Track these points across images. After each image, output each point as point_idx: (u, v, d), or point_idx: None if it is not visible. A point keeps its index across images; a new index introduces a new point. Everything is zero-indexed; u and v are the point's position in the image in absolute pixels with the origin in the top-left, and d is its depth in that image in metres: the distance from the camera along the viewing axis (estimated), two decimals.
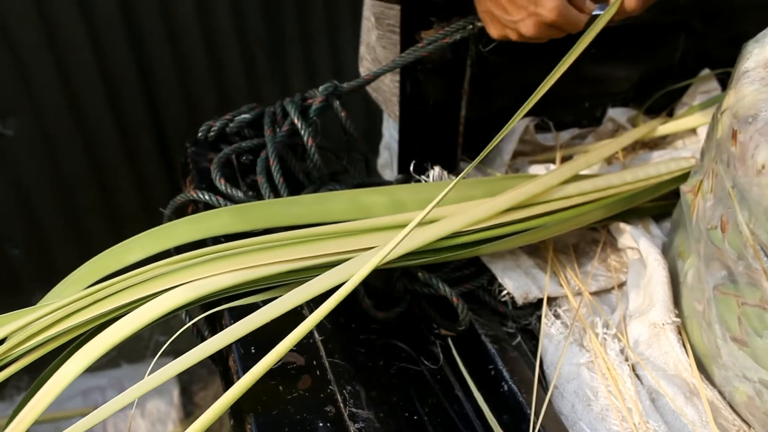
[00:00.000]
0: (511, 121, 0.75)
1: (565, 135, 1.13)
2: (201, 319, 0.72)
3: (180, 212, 0.82)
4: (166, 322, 0.67)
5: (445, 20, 0.84)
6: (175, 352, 0.63)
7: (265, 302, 0.66)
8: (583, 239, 0.95)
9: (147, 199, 2.10)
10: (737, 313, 0.71)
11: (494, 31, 0.84)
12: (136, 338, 0.91)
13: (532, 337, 0.84)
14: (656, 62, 1.18)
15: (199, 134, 0.87)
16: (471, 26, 0.83)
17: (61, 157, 1.95)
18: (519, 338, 0.83)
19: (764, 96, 0.71)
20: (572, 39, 0.82)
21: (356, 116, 2.14)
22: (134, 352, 2.06)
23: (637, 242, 0.87)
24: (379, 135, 1.36)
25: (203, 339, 0.72)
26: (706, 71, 1.19)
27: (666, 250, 0.92)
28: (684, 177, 0.89)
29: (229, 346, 0.64)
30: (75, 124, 1.92)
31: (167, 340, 0.67)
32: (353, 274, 0.67)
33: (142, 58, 1.91)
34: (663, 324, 0.79)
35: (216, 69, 2.01)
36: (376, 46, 1.11)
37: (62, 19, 1.78)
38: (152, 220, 0.83)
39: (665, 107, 1.23)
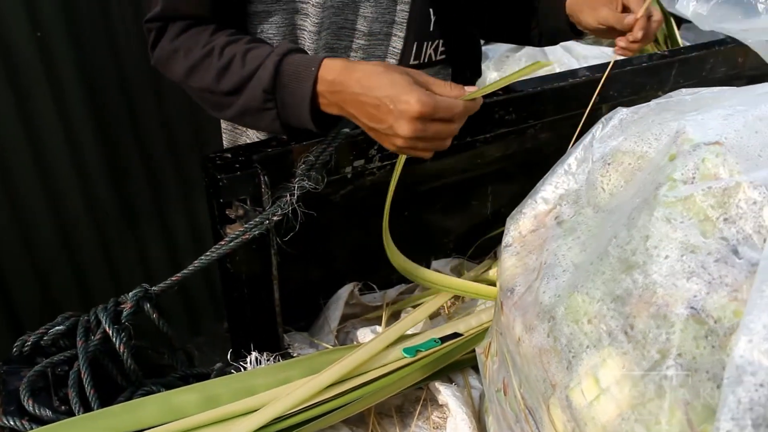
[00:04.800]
0: None
1: (393, 292, 1.20)
2: None
3: None
4: None
5: (244, 218, 0.90)
6: None
7: None
8: (407, 399, 1.00)
9: None
10: None
11: (387, 145, 0.89)
12: None
13: None
14: (471, 213, 1.28)
15: (14, 350, 0.89)
16: (268, 221, 0.89)
17: None
18: None
19: (519, 270, 0.79)
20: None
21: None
22: None
23: (448, 402, 0.93)
24: None
25: None
26: None
27: (482, 402, 0.99)
28: None
29: None
30: None
31: None
32: None
33: None
34: None
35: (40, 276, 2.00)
36: None
37: None
38: None
39: (489, 251, 1.33)
